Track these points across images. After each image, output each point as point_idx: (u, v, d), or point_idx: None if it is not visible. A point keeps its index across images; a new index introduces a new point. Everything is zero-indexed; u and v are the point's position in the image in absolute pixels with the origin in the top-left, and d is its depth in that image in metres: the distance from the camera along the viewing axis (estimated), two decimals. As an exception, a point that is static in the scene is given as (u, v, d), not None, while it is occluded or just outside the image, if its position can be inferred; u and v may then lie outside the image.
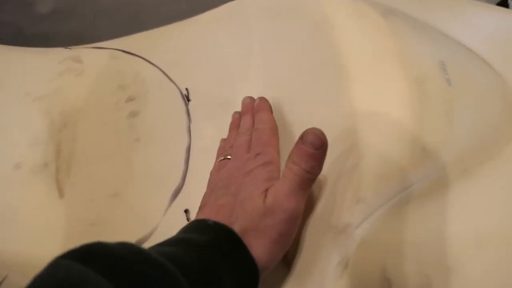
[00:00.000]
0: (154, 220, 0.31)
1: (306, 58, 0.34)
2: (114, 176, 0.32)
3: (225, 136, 0.34)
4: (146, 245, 0.30)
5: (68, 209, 0.31)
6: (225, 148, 0.34)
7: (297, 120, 0.31)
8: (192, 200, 0.32)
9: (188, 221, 0.31)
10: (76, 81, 0.36)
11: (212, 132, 0.35)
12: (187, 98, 0.37)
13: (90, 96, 0.35)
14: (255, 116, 0.34)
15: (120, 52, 0.39)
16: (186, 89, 0.37)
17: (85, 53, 0.39)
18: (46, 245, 0.30)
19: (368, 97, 0.28)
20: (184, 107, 0.36)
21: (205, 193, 0.31)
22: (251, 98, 0.35)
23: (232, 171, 0.30)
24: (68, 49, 0.39)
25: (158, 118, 0.35)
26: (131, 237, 0.31)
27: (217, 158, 0.34)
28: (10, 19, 0.84)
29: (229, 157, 0.32)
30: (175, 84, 0.37)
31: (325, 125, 0.25)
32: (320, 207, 0.26)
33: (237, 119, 0.35)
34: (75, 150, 0.32)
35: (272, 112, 0.34)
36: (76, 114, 0.34)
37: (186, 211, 0.32)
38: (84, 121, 0.34)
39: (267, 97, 0.34)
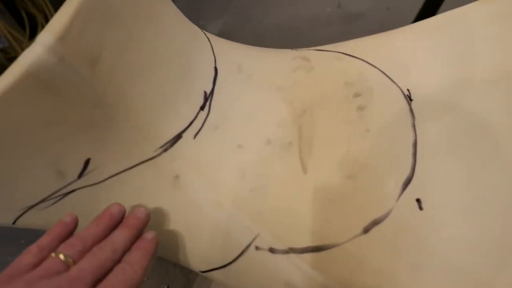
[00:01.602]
0: (387, 204, 0.33)
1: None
2: (349, 160, 0.35)
3: (453, 137, 0.36)
4: (380, 226, 0.32)
5: (311, 183, 0.34)
6: (71, 244, 0.28)
7: None
8: (423, 191, 0.33)
9: (420, 210, 0.33)
10: (308, 76, 0.41)
11: (436, 130, 0.37)
12: (409, 98, 0.39)
13: (322, 89, 0.39)
14: (134, 248, 0.30)
15: (342, 54, 0.43)
16: (408, 89, 0.39)
17: (310, 54, 0.43)
18: (294, 210, 0.34)
19: None
20: (407, 106, 0.38)
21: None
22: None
23: None
24: (294, 50, 0.44)
25: (384, 113, 0.38)
26: (367, 216, 0.33)
27: (47, 237, 0.29)
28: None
29: (62, 256, 0.27)
30: (396, 84, 0.40)
31: None
32: None
33: (110, 218, 0.31)
34: (314, 134, 0.36)
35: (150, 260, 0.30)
36: (312, 104, 0.38)
37: (418, 201, 0.33)
38: (319, 110, 0.38)
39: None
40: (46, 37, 0.26)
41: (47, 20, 1.16)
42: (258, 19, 1.31)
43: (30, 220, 0.35)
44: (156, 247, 0.31)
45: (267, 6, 1.38)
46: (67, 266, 0.27)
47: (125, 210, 0.32)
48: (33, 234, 0.31)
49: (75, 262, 0.28)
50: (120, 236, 0.30)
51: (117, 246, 0.29)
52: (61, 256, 0.27)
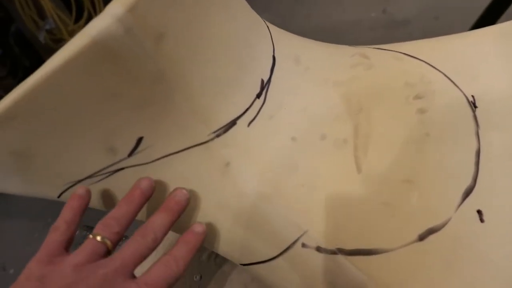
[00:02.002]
0: (445, 213, 0.32)
1: None
2: (406, 163, 0.34)
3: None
4: (437, 235, 0.30)
5: (364, 184, 0.33)
6: (108, 224, 0.29)
7: None
8: (485, 203, 0.31)
9: (481, 222, 0.31)
10: (366, 74, 0.39)
11: (502, 141, 0.35)
12: (473, 105, 0.37)
13: (381, 88, 0.38)
14: (181, 241, 0.30)
15: (403, 55, 0.41)
16: (472, 96, 0.37)
17: (369, 51, 0.42)
18: (345, 209, 0.32)
19: None
20: (471, 113, 0.36)
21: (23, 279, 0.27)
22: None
23: (102, 281, 0.26)
24: (353, 47, 0.42)
25: (446, 119, 0.36)
26: (423, 223, 0.31)
27: (69, 211, 0.30)
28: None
29: (100, 238, 0.28)
30: (460, 89, 0.38)
31: None
32: None
33: (141, 195, 0.30)
34: (371, 132, 0.35)
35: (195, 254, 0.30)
36: (369, 102, 0.37)
37: (479, 212, 0.31)
38: (377, 109, 0.36)
39: None
40: (115, 7, 0.26)
41: (93, 4, 1.18)
42: (300, 19, 1.30)
43: (75, 195, 0.35)
44: (203, 241, 0.31)
45: (310, 7, 1.37)
46: (106, 247, 0.29)
47: (154, 185, 0.32)
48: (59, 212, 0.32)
49: (112, 242, 0.29)
50: (160, 223, 0.30)
51: (158, 234, 0.29)
52: (98, 238, 0.28)
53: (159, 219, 0.30)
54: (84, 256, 0.27)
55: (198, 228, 0.32)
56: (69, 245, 0.30)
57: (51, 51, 0.26)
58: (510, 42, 0.39)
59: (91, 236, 0.28)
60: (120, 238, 0.30)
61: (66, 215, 0.30)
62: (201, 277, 0.44)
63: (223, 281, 0.43)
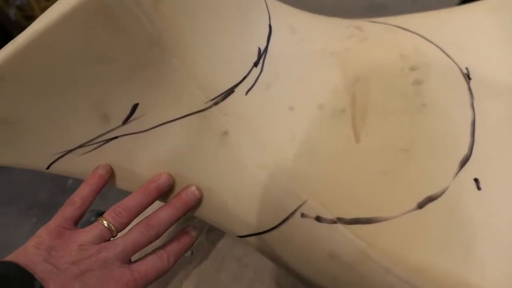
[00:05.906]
0: (443, 182, 0.32)
1: None
2: (403, 133, 0.34)
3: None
4: (436, 203, 0.31)
5: (363, 153, 0.33)
6: (118, 213, 0.30)
7: None
8: (481, 171, 0.32)
9: (478, 189, 0.31)
10: (361, 45, 0.39)
11: (496, 111, 0.35)
12: (467, 76, 0.37)
13: (376, 59, 0.38)
14: (175, 240, 0.33)
15: (396, 27, 0.41)
16: (466, 68, 0.37)
17: (363, 24, 0.41)
18: (344, 178, 0.32)
19: None
20: (465, 84, 0.36)
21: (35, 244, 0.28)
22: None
23: (102, 263, 0.28)
24: (347, 20, 0.42)
25: (441, 90, 0.36)
26: (421, 192, 0.32)
27: (86, 188, 0.31)
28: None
29: (106, 223, 0.30)
30: (454, 62, 0.38)
31: None
32: None
33: (157, 191, 0.31)
34: (368, 103, 0.34)
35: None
36: (365, 73, 0.36)
37: (476, 180, 0.32)
38: (373, 79, 0.36)
39: None
40: (112, -38, 0.24)
41: (67, -19, 1.13)
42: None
43: (65, 167, 0.34)
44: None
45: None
46: (111, 234, 0.30)
47: (172, 182, 0.32)
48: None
49: (118, 230, 0.31)
50: (166, 219, 0.31)
51: (161, 229, 0.31)
52: (107, 224, 0.30)
53: (166, 215, 0.31)
54: (90, 237, 0.29)
55: (193, 233, 0.34)
56: (79, 220, 0.31)
57: (21, 29, 0.25)
58: (500, 15, 0.40)
59: (100, 220, 0.30)
60: (126, 226, 0.31)
61: (83, 192, 0.31)
62: (192, 252, 0.43)
63: (215, 256, 0.43)
